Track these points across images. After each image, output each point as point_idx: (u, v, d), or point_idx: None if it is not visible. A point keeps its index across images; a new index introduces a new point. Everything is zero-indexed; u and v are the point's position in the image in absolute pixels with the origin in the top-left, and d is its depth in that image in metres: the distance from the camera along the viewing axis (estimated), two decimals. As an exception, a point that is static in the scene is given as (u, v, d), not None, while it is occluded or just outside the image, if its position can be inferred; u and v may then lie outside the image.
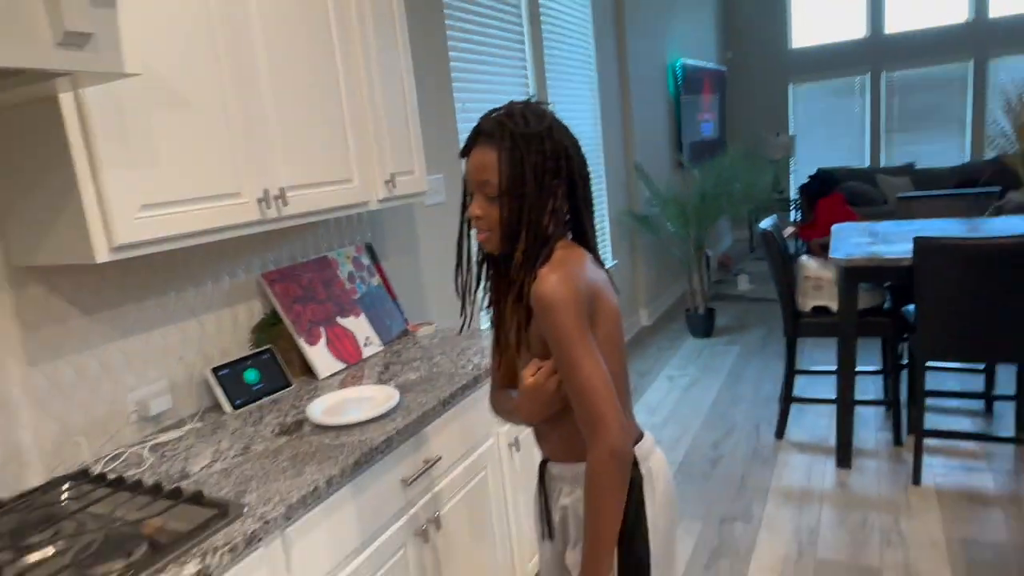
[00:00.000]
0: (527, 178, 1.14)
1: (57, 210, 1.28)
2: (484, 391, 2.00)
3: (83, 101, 1.22)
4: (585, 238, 1.26)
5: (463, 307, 1.32)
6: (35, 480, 1.44)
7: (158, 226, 1.35)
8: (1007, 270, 2.53)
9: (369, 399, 1.75)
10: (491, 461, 2.02)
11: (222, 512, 1.23)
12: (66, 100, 1.20)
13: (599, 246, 1.28)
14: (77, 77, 1.10)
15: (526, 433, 2.19)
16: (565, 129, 1.19)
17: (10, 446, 1.39)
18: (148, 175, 1.34)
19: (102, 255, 1.26)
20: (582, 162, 1.22)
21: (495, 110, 1.17)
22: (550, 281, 1.11)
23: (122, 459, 1.55)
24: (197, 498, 1.28)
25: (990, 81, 6.94)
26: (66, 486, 1.41)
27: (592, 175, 1.15)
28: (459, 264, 1.29)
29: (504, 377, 1.39)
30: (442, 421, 1.79)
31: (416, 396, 1.77)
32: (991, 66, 6.92)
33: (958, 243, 2.56)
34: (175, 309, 1.76)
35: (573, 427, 1.20)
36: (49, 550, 1.17)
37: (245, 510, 1.27)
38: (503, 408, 1.39)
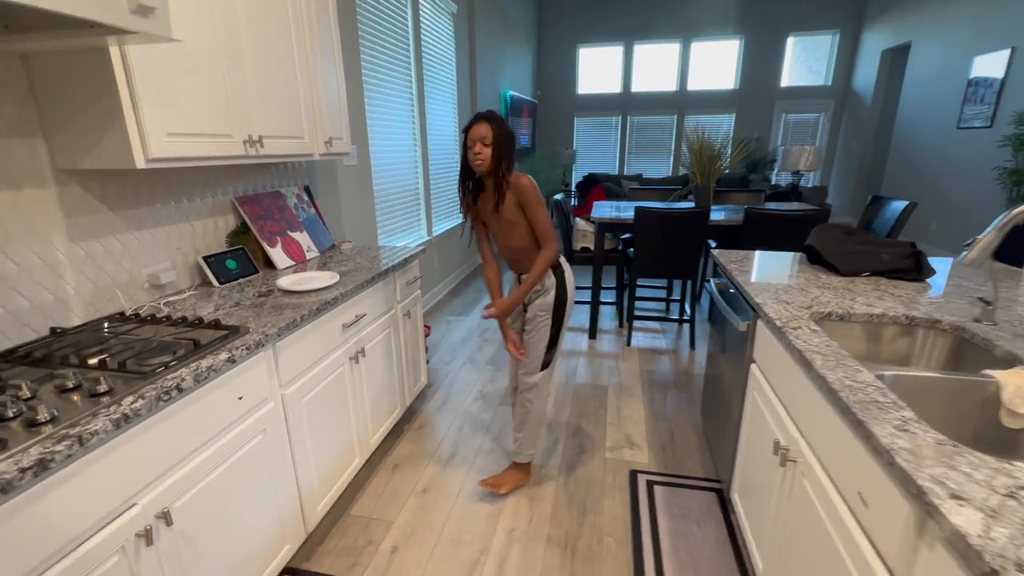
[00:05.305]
0: (503, 137, 1.59)
1: (103, 129, 1.18)
2: (391, 278, 2.03)
3: (127, 54, 1.14)
4: None
5: (464, 213, 1.78)
6: (78, 321, 1.35)
7: (178, 149, 1.29)
8: (675, 227, 2.93)
9: (318, 278, 1.74)
10: (393, 324, 2.08)
11: (235, 331, 1.26)
12: (114, 52, 1.12)
13: None
14: (131, 36, 1.04)
15: (415, 307, 2.30)
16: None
17: (59, 294, 1.30)
18: (173, 113, 1.27)
19: (140, 163, 1.20)
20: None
21: (484, 111, 1.60)
22: (526, 179, 1.61)
23: (144, 309, 1.47)
24: (216, 324, 1.29)
25: (685, 127, 7.89)
26: (106, 323, 1.33)
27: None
28: (461, 178, 1.71)
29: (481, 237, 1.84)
30: (366, 294, 1.82)
31: (348, 278, 1.79)
32: (687, 118, 7.93)
33: (655, 211, 2.91)
34: (175, 214, 1.64)
35: (534, 259, 1.73)
36: (105, 356, 1.11)
37: (251, 330, 1.30)
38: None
